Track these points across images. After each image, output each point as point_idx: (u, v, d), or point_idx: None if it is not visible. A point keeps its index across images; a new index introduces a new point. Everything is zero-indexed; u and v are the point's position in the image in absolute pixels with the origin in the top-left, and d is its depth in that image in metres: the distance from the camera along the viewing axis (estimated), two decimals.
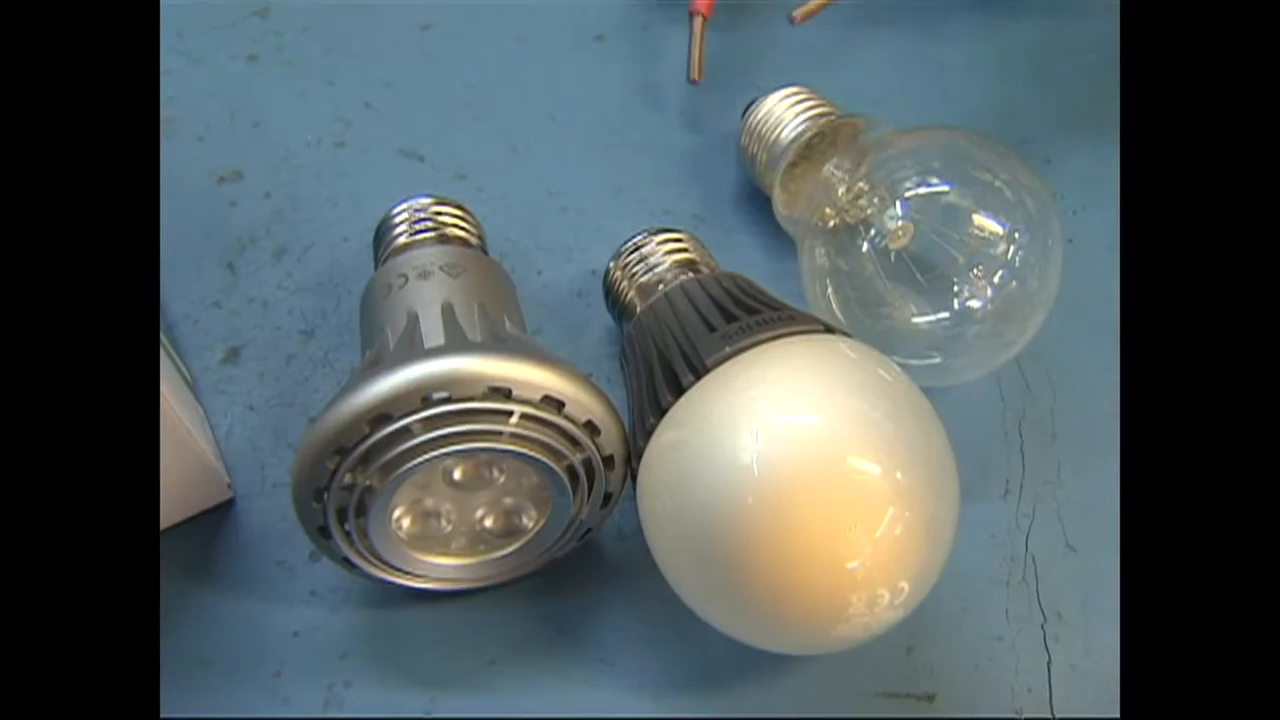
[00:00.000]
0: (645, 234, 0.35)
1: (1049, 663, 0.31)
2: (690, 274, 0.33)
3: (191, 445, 0.31)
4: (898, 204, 0.33)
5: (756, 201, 0.39)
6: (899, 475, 0.27)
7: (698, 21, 0.40)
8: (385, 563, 0.29)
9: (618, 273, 0.35)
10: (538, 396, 0.27)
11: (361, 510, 0.28)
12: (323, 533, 0.28)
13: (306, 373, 0.36)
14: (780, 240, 0.38)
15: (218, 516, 0.33)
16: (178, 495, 0.32)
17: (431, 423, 0.27)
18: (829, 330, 0.29)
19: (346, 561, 0.29)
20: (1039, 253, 0.33)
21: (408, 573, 0.30)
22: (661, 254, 0.34)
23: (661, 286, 0.33)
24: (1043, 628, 0.32)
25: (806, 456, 0.26)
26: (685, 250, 0.34)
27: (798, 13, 0.35)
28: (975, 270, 0.32)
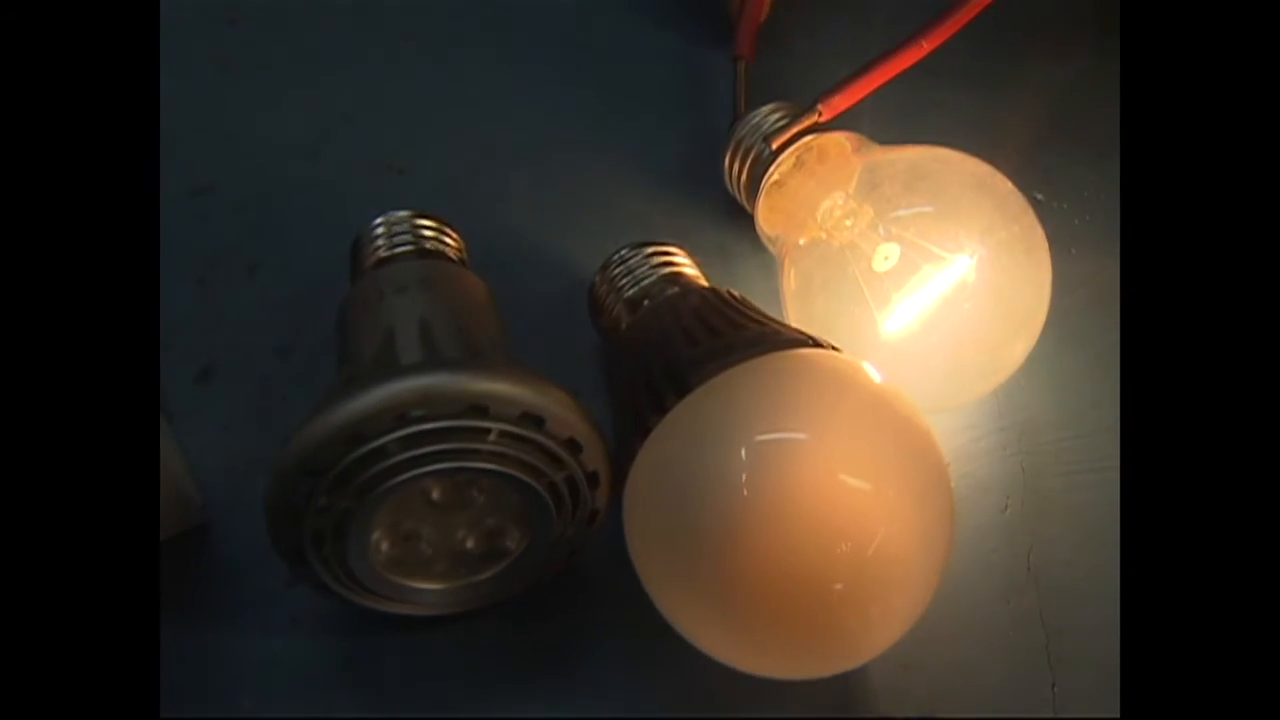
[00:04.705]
0: (631, 247, 0.34)
1: (1053, 684, 0.30)
2: (677, 288, 0.32)
3: (164, 467, 0.30)
4: (881, 226, 0.32)
5: (746, 217, 0.38)
6: (891, 492, 0.26)
7: (741, 66, 0.40)
8: (364, 588, 0.28)
9: (603, 287, 0.34)
10: (516, 413, 0.26)
11: (339, 534, 0.27)
12: (299, 558, 0.28)
13: (282, 392, 0.35)
14: (771, 256, 0.37)
15: (191, 541, 0.32)
16: None
17: (408, 442, 0.26)
18: (816, 344, 0.29)
19: (324, 587, 0.28)
20: (1021, 272, 0.32)
21: (388, 598, 0.29)
22: (648, 268, 0.33)
23: (647, 301, 0.32)
24: (1046, 646, 0.31)
25: (796, 474, 0.26)
26: (672, 264, 0.33)
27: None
28: (958, 292, 0.32)
